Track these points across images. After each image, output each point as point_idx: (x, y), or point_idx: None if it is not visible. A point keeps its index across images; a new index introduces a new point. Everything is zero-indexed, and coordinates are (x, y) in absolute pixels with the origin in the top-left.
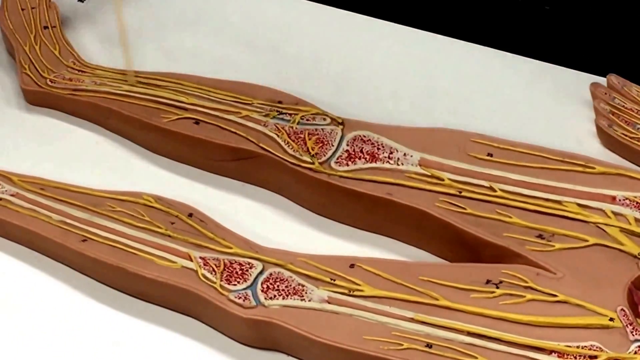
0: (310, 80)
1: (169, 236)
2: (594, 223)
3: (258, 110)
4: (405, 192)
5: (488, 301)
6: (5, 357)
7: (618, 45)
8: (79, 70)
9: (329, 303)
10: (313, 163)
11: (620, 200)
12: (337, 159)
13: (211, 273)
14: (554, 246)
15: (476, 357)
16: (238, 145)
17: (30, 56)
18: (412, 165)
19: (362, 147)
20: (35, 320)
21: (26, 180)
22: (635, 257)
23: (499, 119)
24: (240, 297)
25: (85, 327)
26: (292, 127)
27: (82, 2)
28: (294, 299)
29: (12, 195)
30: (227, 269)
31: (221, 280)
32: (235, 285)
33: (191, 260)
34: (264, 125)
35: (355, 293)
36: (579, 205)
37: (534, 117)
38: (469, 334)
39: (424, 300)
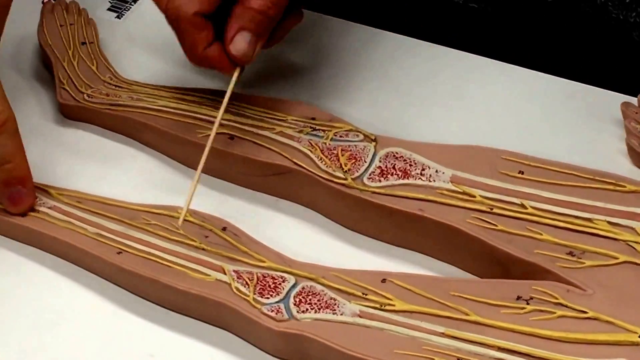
0: (344, 97)
1: (203, 249)
2: (624, 241)
3: (292, 126)
4: (437, 208)
5: (518, 317)
6: None
7: None
8: (115, 86)
9: (361, 317)
10: (346, 179)
11: None
12: (370, 175)
13: (244, 286)
14: (584, 263)
15: None
16: (272, 161)
17: (68, 71)
18: (444, 182)
19: (395, 164)
20: (70, 331)
21: (63, 193)
22: None
23: (531, 137)
24: (272, 310)
25: (120, 338)
26: (325, 144)
27: (120, 18)
28: (326, 313)
29: (49, 207)
30: (260, 283)
31: (254, 294)
32: (268, 298)
33: (225, 274)
34: (298, 141)
35: (387, 307)
36: (610, 223)
37: (565, 135)
38: (500, 349)
39: (454, 316)
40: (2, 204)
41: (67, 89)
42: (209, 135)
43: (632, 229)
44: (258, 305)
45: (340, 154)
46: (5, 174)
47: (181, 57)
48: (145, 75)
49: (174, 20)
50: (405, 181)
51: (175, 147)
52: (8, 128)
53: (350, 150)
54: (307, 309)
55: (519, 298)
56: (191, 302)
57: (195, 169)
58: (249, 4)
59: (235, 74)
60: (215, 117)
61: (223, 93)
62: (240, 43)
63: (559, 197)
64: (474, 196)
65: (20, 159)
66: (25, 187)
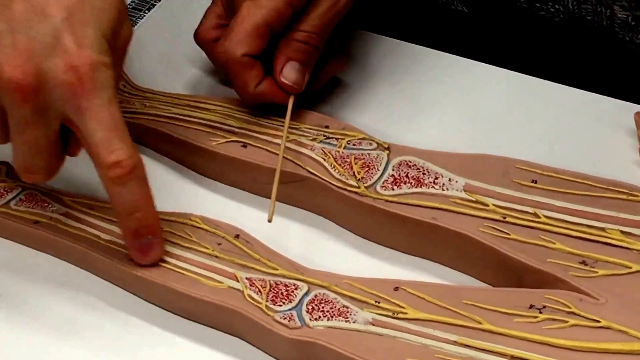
0: (357, 105)
1: (216, 256)
2: (637, 250)
3: (305, 134)
4: (450, 217)
5: (531, 326)
6: None
7: None
8: (129, 94)
9: (373, 325)
10: (359, 187)
11: None
12: (383, 183)
13: (257, 294)
14: (597, 272)
15: None
16: (285, 169)
17: None
18: (457, 190)
19: (408, 172)
20: (82, 338)
21: (76, 199)
22: None
23: (543, 146)
24: (285, 318)
25: (132, 345)
26: (338, 152)
27: (133, 26)
28: (339, 320)
29: (62, 214)
30: (272, 290)
31: (267, 301)
32: (280, 306)
33: (237, 281)
34: (311, 149)
35: (400, 316)
36: (623, 232)
37: (577, 145)
38: (512, 358)
39: (467, 324)
40: (131, 254)
41: None
42: (223, 143)
43: None
44: (271, 313)
45: (353, 162)
46: (135, 223)
47: (194, 65)
48: (158, 83)
49: (224, 63)
50: (419, 189)
51: (189, 155)
52: (137, 175)
53: (364, 158)
54: (319, 317)
55: (531, 307)
56: (203, 309)
57: (209, 176)
58: (294, 36)
59: (290, 102)
60: (229, 125)
61: (236, 101)
62: (290, 72)
63: (572, 207)
64: (487, 205)
65: (150, 207)
66: (155, 237)
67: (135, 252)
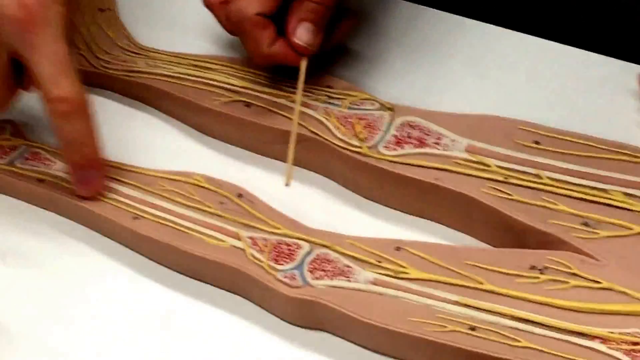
0: (360, 65)
1: (219, 216)
2: (639, 212)
3: (308, 94)
4: (452, 177)
5: (532, 286)
6: (55, 332)
7: None
8: (133, 53)
9: (375, 285)
10: (361, 147)
11: None
12: (386, 143)
13: (259, 252)
14: (599, 234)
15: (519, 341)
16: (288, 129)
17: (84, 38)
18: (459, 151)
19: (411, 133)
20: (85, 296)
21: None
22: None
23: (547, 108)
24: (287, 277)
25: (135, 303)
26: (341, 112)
27: None
28: (340, 280)
29: (66, 172)
30: (275, 249)
31: (269, 260)
32: (282, 265)
33: (240, 240)
34: (314, 109)
35: (401, 275)
36: (625, 194)
37: (581, 106)
38: (513, 318)
39: (468, 284)
40: (73, 185)
41: (84, 55)
42: (226, 102)
43: None
44: (273, 272)
45: (356, 123)
46: (78, 156)
47: (198, 25)
48: (162, 42)
49: (237, 22)
50: (421, 150)
51: (192, 114)
52: (81, 111)
53: (366, 118)
54: (321, 276)
55: (533, 268)
56: (206, 268)
57: (212, 135)
58: None
59: (303, 65)
60: (232, 85)
61: (240, 61)
62: (303, 33)
63: (574, 168)
64: (490, 166)
65: (91, 142)
66: (97, 171)
67: (77, 184)
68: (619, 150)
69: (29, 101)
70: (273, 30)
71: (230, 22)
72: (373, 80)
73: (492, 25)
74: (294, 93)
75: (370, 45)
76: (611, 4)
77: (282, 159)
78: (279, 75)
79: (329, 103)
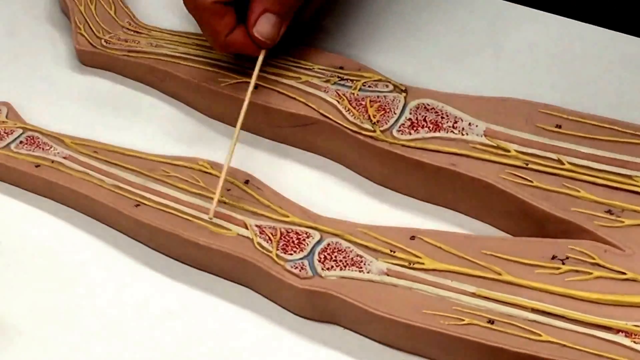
0: (373, 45)
1: (225, 203)
2: None
3: (318, 75)
4: (469, 163)
5: (553, 277)
6: (56, 323)
7: None
8: (134, 31)
9: (388, 275)
10: (374, 131)
11: None
12: (400, 127)
13: (267, 242)
14: (623, 222)
15: (540, 335)
16: (297, 111)
17: (85, 16)
18: (477, 135)
19: (426, 116)
20: (85, 287)
21: (79, 142)
22: None
23: (569, 89)
24: (296, 267)
25: (137, 294)
26: (353, 94)
27: None
28: (352, 270)
29: (64, 157)
30: (283, 238)
31: (277, 250)
32: (291, 254)
33: (247, 229)
34: (325, 91)
35: (416, 266)
36: None
37: (605, 88)
38: (533, 310)
39: (486, 275)
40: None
41: (84, 34)
42: (232, 83)
43: None
44: (281, 262)
45: (368, 105)
46: None
47: None
48: (165, 20)
49: (193, 9)
50: (437, 134)
51: (197, 97)
52: None
53: (380, 101)
54: (332, 266)
55: (554, 258)
56: (211, 257)
57: (218, 119)
58: None
59: (261, 57)
60: (240, 66)
61: None
62: (264, 26)
63: (598, 153)
64: (509, 150)
65: None
66: None
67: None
68: None
69: (27, 82)
70: (232, 17)
71: (188, 9)
72: (387, 60)
73: (512, 3)
74: (303, 74)
75: (382, 24)
76: None
77: (291, 143)
78: (286, 55)
79: (341, 84)
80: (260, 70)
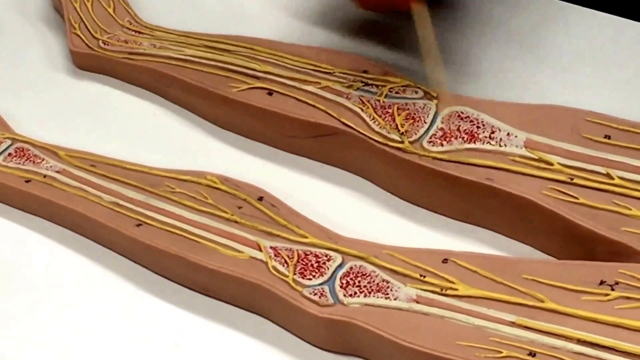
0: (401, 47)
1: (236, 222)
2: None
3: (340, 80)
4: (508, 177)
5: (602, 305)
6: (45, 353)
7: None
8: (136, 31)
9: (418, 303)
10: (402, 142)
11: None
12: (430, 138)
13: (283, 265)
14: None
15: None
16: (316, 120)
17: (81, 14)
18: (516, 147)
19: (459, 125)
20: (82, 314)
21: (74, 155)
22: None
23: (619, 96)
24: (315, 294)
25: (139, 323)
26: (378, 101)
27: None
28: (378, 297)
29: (57, 171)
30: (301, 261)
31: (294, 274)
32: (310, 279)
33: (260, 250)
34: (347, 97)
35: (449, 292)
36: None
37: None
38: (579, 341)
39: (527, 302)
40: None
41: (80, 34)
42: (245, 89)
43: None
44: (299, 288)
45: (396, 113)
46: None
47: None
48: (170, 19)
49: None
50: (472, 145)
51: (205, 104)
52: None
53: (408, 109)
54: (355, 293)
55: (602, 283)
56: (221, 283)
57: (228, 128)
58: None
59: (420, 10)
60: (252, 69)
61: (263, 42)
62: None
63: None
64: (552, 164)
65: None
66: None
67: None
68: None
69: (16, 88)
70: None
71: None
72: (414, 63)
73: (558, 0)
74: (323, 79)
75: (409, 23)
76: None
77: (310, 155)
78: (306, 57)
79: (365, 90)
80: (277, 75)
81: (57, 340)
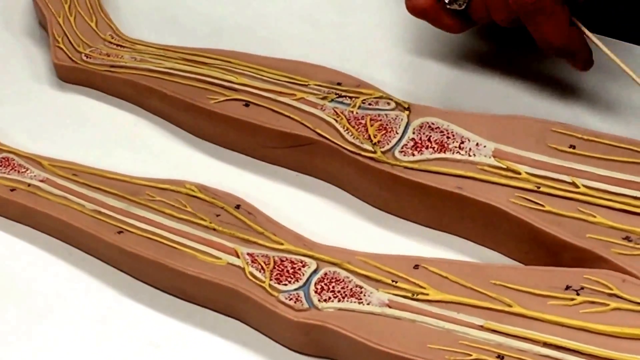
0: (374, 60)
1: (214, 229)
2: None
3: (315, 92)
4: (477, 186)
5: (567, 309)
6: (30, 356)
7: None
8: (117, 45)
9: (390, 307)
10: (375, 152)
11: None
12: (402, 148)
13: (259, 271)
14: None
15: None
16: (292, 131)
17: (64, 28)
18: (485, 156)
19: (430, 136)
20: (64, 319)
21: (57, 164)
22: None
23: (583, 107)
24: (291, 299)
25: (120, 327)
26: (352, 112)
27: None
28: (351, 302)
29: (41, 180)
30: (277, 267)
31: (270, 280)
32: (285, 285)
33: (238, 257)
34: (321, 109)
35: (419, 297)
36: None
37: (621, 106)
38: (545, 344)
39: (495, 307)
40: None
41: (63, 48)
42: (223, 101)
43: None
44: (275, 293)
45: (369, 124)
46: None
47: (191, 14)
48: (151, 33)
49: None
50: (442, 155)
51: (185, 115)
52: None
53: (380, 119)
54: (329, 298)
55: (568, 288)
56: (200, 288)
57: (207, 139)
58: None
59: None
60: (229, 81)
61: (240, 55)
62: None
63: (614, 175)
64: (519, 173)
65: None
66: None
67: None
68: None
69: (1, 99)
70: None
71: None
72: (387, 75)
73: None
74: (298, 91)
75: (382, 37)
76: None
77: (285, 165)
78: (281, 70)
79: (339, 102)
80: (253, 87)
81: (40, 341)
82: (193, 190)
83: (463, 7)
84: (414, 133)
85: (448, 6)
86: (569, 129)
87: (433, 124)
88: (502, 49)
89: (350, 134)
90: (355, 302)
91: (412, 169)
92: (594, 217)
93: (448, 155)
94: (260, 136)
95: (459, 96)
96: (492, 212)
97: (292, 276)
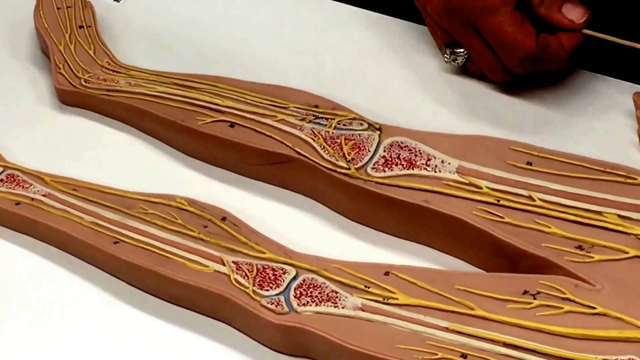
0: (348, 84)
1: (202, 240)
2: (634, 235)
3: (294, 114)
4: (442, 199)
5: (525, 312)
6: (38, 358)
7: None
8: (113, 71)
9: (363, 311)
10: (349, 169)
11: None
12: (374, 165)
13: (244, 278)
14: (593, 257)
15: None
16: (273, 149)
17: (64, 56)
18: (450, 172)
19: (400, 154)
20: (64, 322)
21: (58, 180)
22: None
23: (540, 127)
24: (272, 303)
25: (116, 330)
26: (328, 132)
27: (118, 1)
28: (328, 306)
29: (44, 195)
30: (259, 274)
31: (254, 286)
32: (267, 290)
33: (224, 265)
34: (300, 129)
35: (390, 301)
36: (620, 216)
37: (575, 126)
38: (505, 344)
39: (459, 310)
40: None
41: (64, 74)
42: (210, 122)
43: None
44: (257, 298)
45: (343, 143)
46: None
47: (181, 42)
48: (143, 60)
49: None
50: (410, 171)
51: (175, 135)
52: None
53: (354, 139)
54: (308, 302)
55: (525, 293)
56: (189, 293)
57: (195, 157)
58: None
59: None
60: (216, 104)
61: (226, 80)
62: (570, 10)
63: (568, 189)
64: (481, 187)
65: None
66: None
67: None
68: (613, 172)
69: (7, 120)
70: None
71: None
72: (360, 99)
73: None
74: (279, 112)
75: (356, 64)
76: (603, 23)
77: (267, 180)
78: (264, 94)
79: (316, 123)
80: (238, 110)
81: (42, 344)
82: (183, 204)
83: (462, 64)
84: (384, 151)
85: (446, 62)
86: (526, 147)
87: (402, 142)
88: (466, 74)
89: (326, 152)
90: (331, 306)
91: (383, 184)
92: (549, 227)
93: (416, 171)
94: (244, 154)
95: (426, 117)
96: (456, 223)
97: (273, 282)
